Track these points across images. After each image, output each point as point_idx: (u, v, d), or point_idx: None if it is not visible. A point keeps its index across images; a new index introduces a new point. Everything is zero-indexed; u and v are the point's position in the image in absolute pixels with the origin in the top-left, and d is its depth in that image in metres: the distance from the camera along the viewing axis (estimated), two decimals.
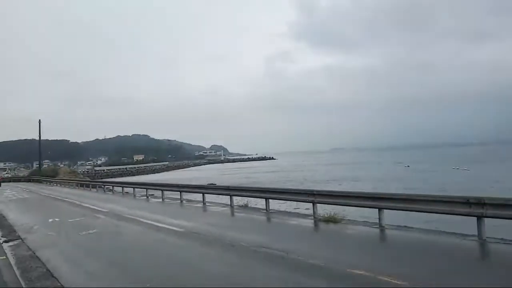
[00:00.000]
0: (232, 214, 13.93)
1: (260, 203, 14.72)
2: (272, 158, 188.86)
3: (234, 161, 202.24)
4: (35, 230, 12.41)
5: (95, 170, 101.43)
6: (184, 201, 17.88)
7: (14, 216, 16.30)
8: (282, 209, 15.05)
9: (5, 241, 10.89)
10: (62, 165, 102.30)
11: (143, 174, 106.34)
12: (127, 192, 26.19)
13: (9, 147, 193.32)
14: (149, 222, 12.15)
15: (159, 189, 20.11)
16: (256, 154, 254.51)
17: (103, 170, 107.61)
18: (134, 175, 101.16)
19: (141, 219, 12.87)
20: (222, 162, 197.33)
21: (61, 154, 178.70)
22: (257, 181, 51.81)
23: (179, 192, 19.06)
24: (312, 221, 11.28)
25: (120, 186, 26.09)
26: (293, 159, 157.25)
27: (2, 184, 47.17)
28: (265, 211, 13.46)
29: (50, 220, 14.34)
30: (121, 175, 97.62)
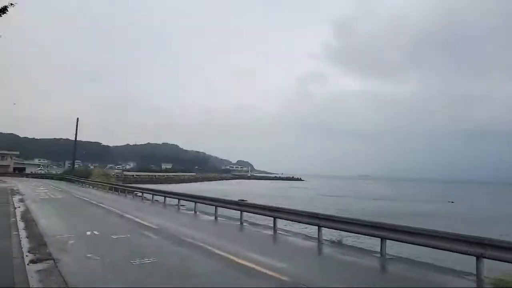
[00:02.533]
0: (324, 253, 10.58)
1: (358, 240, 11.37)
2: (300, 179, 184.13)
3: (261, 178, 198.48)
4: (70, 248, 9.50)
5: (125, 175, 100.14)
6: (245, 223, 14.65)
7: (45, 222, 13.57)
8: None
9: (32, 261, 7.98)
10: (92, 167, 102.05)
11: (171, 183, 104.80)
12: (156, 200, 23.78)
13: (43, 145, 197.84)
14: (223, 254, 8.95)
15: (211, 204, 16.97)
16: (282, 173, 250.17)
17: (133, 175, 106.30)
18: (162, 183, 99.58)
19: (208, 247, 9.70)
20: (248, 178, 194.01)
21: (92, 156, 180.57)
22: (320, 206, 44.29)
23: (237, 211, 16.06)
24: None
25: (160, 195, 23.19)
26: (324, 182, 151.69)
27: (35, 181, 45.71)
28: (369, 251, 10.13)
29: (88, 233, 11.46)
30: (149, 182, 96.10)
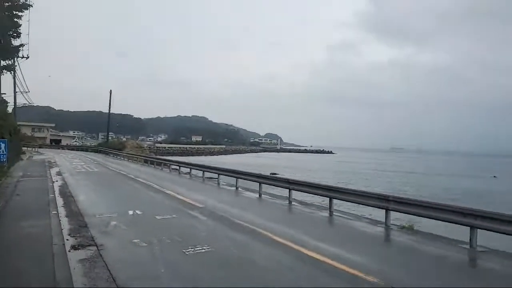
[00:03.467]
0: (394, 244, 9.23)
1: (428, 224, 9.89)
2: (331, 152, 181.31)
3: (290, 151, 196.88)
4: (113, 230, 8.57)
5: (156, 147, 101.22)
6: (294, 203, 13.41)
7: (84, 198, 12.83)
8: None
9: (74, 247, 7.05)
10: (124, 138, 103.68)
11: (201, 155, 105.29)
12: (192, 174, 22.72)
13: (77, 117, 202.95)
14: (286, 243, 7.74)
15: (256, 181, 15.80)
16: (311, 146, 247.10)
17: (164, 147, 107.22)
18: (193, 155, 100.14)
19: (265, 232, 8.54)
20: (277, 151, 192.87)
21: (125, 128, 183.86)
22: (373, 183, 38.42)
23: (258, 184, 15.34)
24: None
25: (198, 169, 22.28)
26: (356, 155, 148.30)
27: (71, 152, 46.25)
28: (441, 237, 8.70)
29: (131, 212, 10.53)
30: (180, 154, 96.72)
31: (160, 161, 30.11)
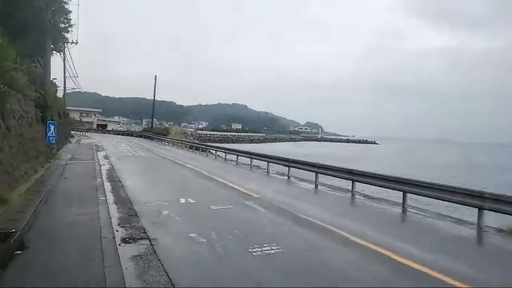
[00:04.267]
0: None
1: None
2: (375, 143, 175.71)
3: (331, 140, 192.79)
4: (166, 221, 7.65)
5: (198, 134, 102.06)
6: (357, 196, 12.02)
7: (132, 184, 12.12)
8: None
9: (124, 240, 6.16)
10: (167, 125, 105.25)
11: (242, 143, 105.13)
12: (235, 161, 21.84)
13: (122, 103, 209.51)
14: (365, 244, 6.47)
15: (311, 170, 14.53)
16: (353, 136, 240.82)
17: (206, 134, 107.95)
18: (233, 143, 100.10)
19: (337, 230, 7.29)
20: (319, 140, 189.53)
21: (167, 115, 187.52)
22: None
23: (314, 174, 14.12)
24: None
25: (246, 157, 21.28)
26: (403, 146, 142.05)
27: (117, 137, 46.91)
28: None
29: (183, 200, 9.63)
30: (221, 141, 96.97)
31: (206, 147, 29.44)
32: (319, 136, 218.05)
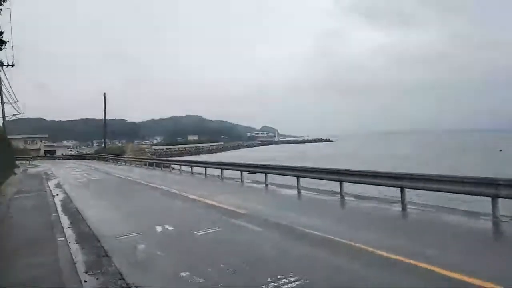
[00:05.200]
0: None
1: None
2: (329, 140, 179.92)
3: (288, 142, 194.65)
4: (146, 260, 6.20)
5: (154, 149, 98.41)
6: (347, 197, 11.07)
7: (95, 214, 10.38)
8: None
9: None
10: (119, 144, 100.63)
11: (201, 154, 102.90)
12: (199, 174, 20.48)
13: (69, 126, 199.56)
14: (410, 263, 5.41)
15: (293, 175, 13.50)
16: (307, 136, 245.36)
17: (162, 149, 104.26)
18: (193, 154, 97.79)
19: (364, 246, 6.18)
20: (276, 143, 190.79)
21: (119, 133, 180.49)
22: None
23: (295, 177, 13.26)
24: None
25: (214, 168, 19.90)
26: (357, 142, 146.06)
27: (68, 162, 43.59)
28: None
29: (159, 228, 8.15)
30: (179, 155, 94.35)
31: (168, 162, 27.65)
32: (276, 139, 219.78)
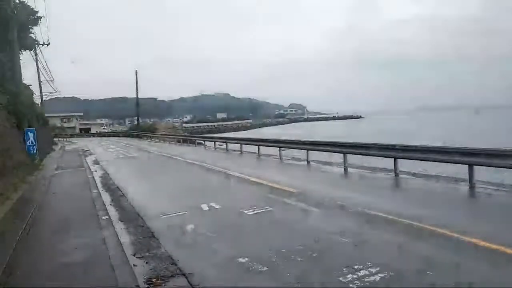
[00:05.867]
0: None
1: None
2: (360, 117, 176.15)
3: (318, 119, 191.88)
4: (197, 241, 5.68)
5: (184, 127, 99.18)
6: (402, 175, 10.18)
7: (136, 192, 10.02)
8: None
9: (150, 283, 4.20)
10: (150, 121, 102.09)
11: (230, 132, 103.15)
12: (233, 150, 20.02)
13: (102, 105, 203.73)
14: None
15: (340, 152, 12.67)
16: (337, 113, 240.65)
17: (193, 126, 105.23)
18: (222, 132, 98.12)
19: (452, 234, 5.38)
20: (305, 120, 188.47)
21: (149, 111, 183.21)
22: None
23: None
24: None
25: (253, 144, 19.29)
26: (391, 119, 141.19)
27: (103, 139, 44.33)
28: None
29: (205, 207, 7.60)
30: (209, 132, 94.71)
31: (202, 139, 27.35)
32: (305, 117, 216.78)
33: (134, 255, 5.15)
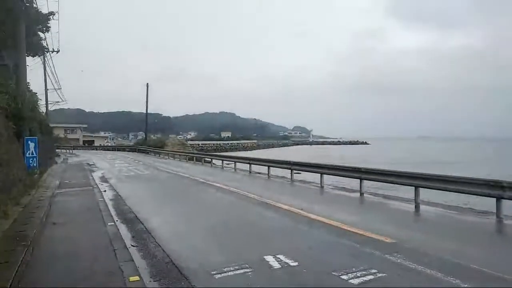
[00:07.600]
0: None
1: None
2: (365, 143, 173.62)
3: (323, 143, 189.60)
4: None
5: (190, 144, 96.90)
6: (423, 206, 7.80)
7: (163, 226, 7.65)
8: None
9: None
10: (154, 137, 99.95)
11: (235, 151, 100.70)
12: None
13: (106, 118, 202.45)
14: None
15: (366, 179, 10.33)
16: (340, 138, 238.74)
17: (198, 144, 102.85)
18: (227, 151, 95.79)
19: None
20: (310, 143, 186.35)
21: (155, 127, 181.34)
22: None
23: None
24: None
25: (284, 167, 16.95)
26: (393, 145, 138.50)
27: (107, 153, 42.05)
28: None
29: (273, 262, 5.27)
30: (215, 150, 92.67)
31: (211, 157, 25.27)
32: (310, 140, 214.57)
33: None
